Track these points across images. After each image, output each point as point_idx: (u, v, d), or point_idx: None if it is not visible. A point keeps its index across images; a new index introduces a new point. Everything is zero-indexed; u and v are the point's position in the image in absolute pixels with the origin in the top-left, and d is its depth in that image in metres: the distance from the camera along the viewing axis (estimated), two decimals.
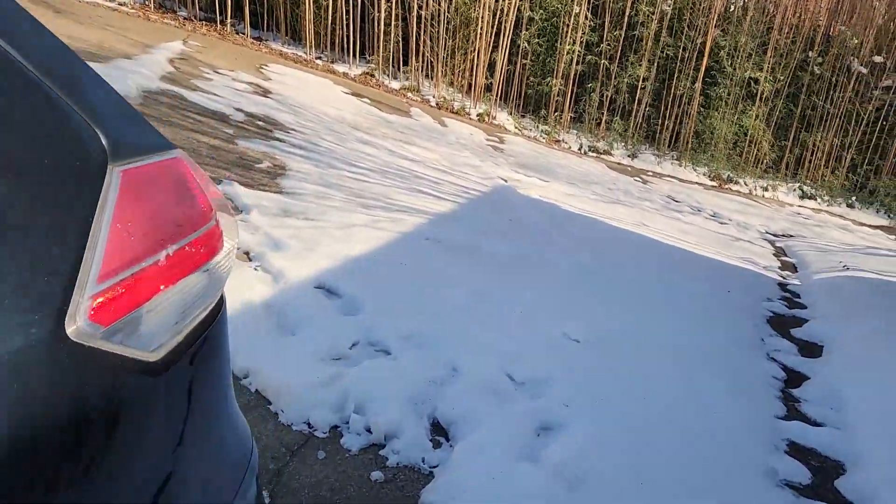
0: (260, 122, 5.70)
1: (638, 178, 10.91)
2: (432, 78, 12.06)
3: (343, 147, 5.82)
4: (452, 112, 11.82)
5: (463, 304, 3.40)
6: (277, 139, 5.41)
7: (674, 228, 6.76)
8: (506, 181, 6.76)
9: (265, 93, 6.98)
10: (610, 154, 13.77)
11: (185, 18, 10.62)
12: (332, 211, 4.26)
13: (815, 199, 15.06)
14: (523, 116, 13.78)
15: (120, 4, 9.95)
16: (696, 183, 13.75)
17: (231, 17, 10.78)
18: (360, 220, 4.23)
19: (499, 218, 5.22)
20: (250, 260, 3.47)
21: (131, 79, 5.37)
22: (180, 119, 5.03)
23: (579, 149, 13.39)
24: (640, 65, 13.00)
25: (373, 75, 11.33)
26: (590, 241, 5.27)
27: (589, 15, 12.61)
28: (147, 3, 10.54)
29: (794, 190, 14.48)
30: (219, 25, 10.66)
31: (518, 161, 8.43)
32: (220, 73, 7.13)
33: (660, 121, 13.90)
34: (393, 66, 11.68)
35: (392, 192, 5.06)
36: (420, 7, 11.20)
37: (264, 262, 3.41)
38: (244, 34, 10.87)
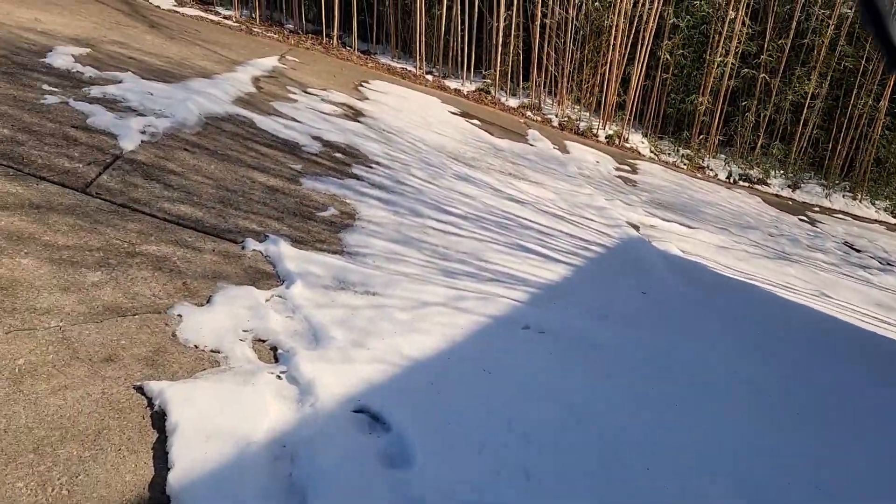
0: (338, 155, 4.92)
1: (803, 217, 9.20)
2: (555, 94, 10.99)
3: (435, 186, 4.92)
4: (577, 133, 10.68)
5: (579, 458, 2.33)
6: (354, 176, 4.60)
7: (866, 300, 5.25)
8: (637, 229, 5.57)
9: (355, 116, 6.25)
10: (765, 184, 12.00)
11: (290, 31, 10.31)
12: (403, 281, 3.34)
13: None
14: (660, 138, 12.35)
15: (224, 18, 9.77)
16: (876, 221, 11.72)
17: (339, 30, 10.34)
18: (438, 297, 3.27)
19: (628, 289, 4.08)
20: (276, 361, 2.61)
21: (196, 102, 4.78)
22: (240, 152, 4.35)
23: (727, 177, 11.74)
24: (809, 79, 11.19)
25: (488, 92, 10.45)
26: (759, 327, 3.99)
27: (747, 21, 11.02)
28: (253, 15, 10.33)
29: None
30: (324, 38, 10.24)
31: (654, 198, 7.16)
32: (309, 93, 6.50)
33: (830, 145, 11.96)
34: (511, 82, 10.75)
35: (487, 249, 4.07)
36: (544, 15, 10.20)
37: (293, 366, 2.53)
38: (351, 47, 10.38)
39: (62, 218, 3.05)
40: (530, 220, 4.84)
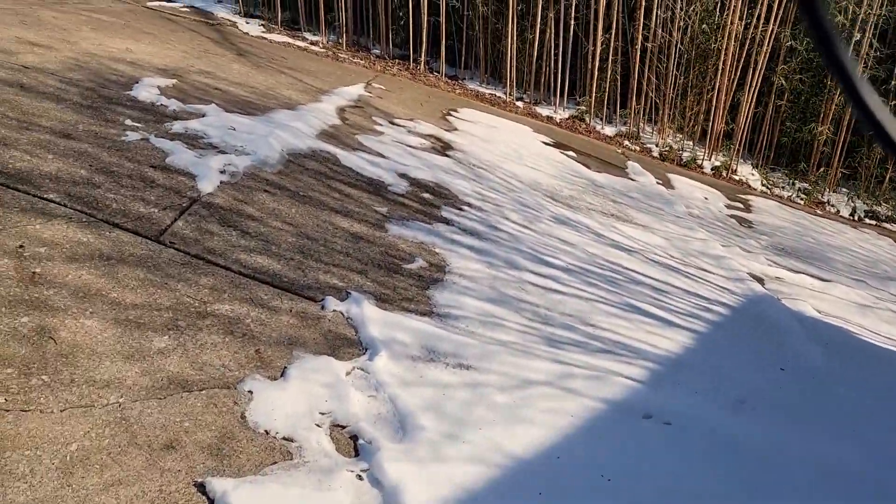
0: (426, 195, 4.63)
1: None
2: (656, 122, 10.42)
3: (532, 231, 4.54)
4: (680, 164, 10.06)
5: None
6: (443, 220, 4.29)
7: None
8: (762, 282, 4.99)
9: (444, 149, 5.98)
10: (895, 221, 10.95)
11: (377, 57, 10.25)
12: (500, 352, 2.96)
13: None
14: (773, 170, 11.50)
15: (311, 44, 9.81)
16: None
17: (426, 55, 10.20)
18: (541, 373, 2.88)
19: (762, 363, 3.55)
20: (356, 454, 2.29)
21: (278, 137, 4.62)
22: (322, 192, 4.12)
23: (851, 214, 10.76)
24: None
25: (582, 119, 10.01)
26: None
27: (875, 44, 10.13)
28: (340, 41, 10.35)
29: None
30: (412, 64, 10.12)
31: (775, 242, 6.50)
32: (395, 124, 6.29)
33: None
34: (608, 109, 10.27)
35: (594, 311, 3.65)
36: (645, 38, 9.71)
37: (375, 464, 2.20)
38: (438, 73, 10.21)
39: (132, 271, 2.87)
40: (640, 273, 4.38)
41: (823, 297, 5.06)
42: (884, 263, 6.98)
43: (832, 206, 10.97)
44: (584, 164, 7.33)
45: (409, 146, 5.69)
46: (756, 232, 6.78)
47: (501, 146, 6.75)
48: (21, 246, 2.83)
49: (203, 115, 4.72)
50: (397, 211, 4.23)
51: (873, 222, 10.73)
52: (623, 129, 10.18)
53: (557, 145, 7.87)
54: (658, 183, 7.64)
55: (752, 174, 10.91)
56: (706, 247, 5.42)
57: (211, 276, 3.00)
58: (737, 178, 10.68)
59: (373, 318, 2.98)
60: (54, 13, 6.66)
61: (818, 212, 10.31)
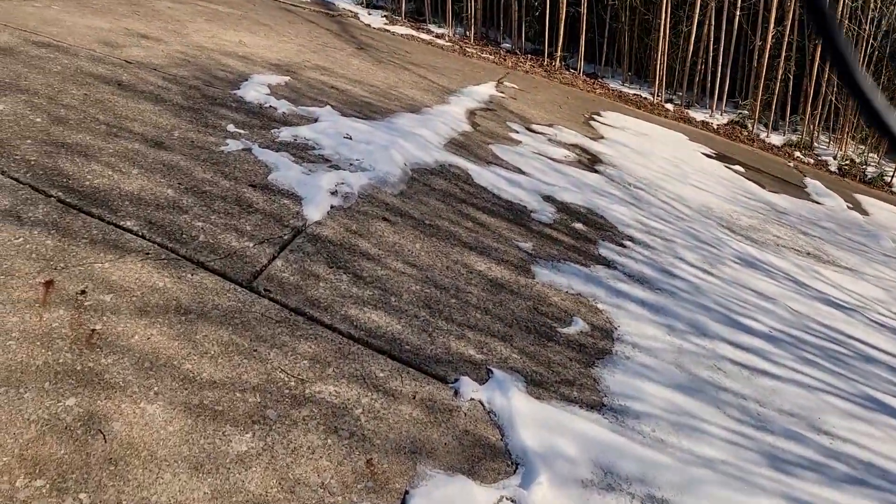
0: (578, 225, 3.82)
1: None
2: (834, 131, 9.03)
3: (714, 278, 3.62)
4: (863, 182, 8.63)
5: None
6: (604, 262, 3.46)
7: None
8: None
9: (592, 163, 5.13)
10: None
11: (507, 52, 9.49)
12: (707, 478, 2.11)
13: None
14: None
15: (436, 37, 9.19)
16: None
17: (562, 50, 9.33)
18: None
19: None
20: None
21: (401, 149, 3.95)
22: (452, 221, 3.40)
23: None
24: None
25: (744, 126, 8.80)
26: None
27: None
28: (467, 34, 9.67)
29: None
30: (546, 59, 9.28)
31: None
32: (533, 131, 5.50)
33: None
34: (775, 114, 8.99)
35: (822, 406, 2.70)
36: None
37: None
38: (575, 70, 9.32)
39: (214, 331, 2.25)
40: (868, 344, 3.35)
41: None
42: None
43: None
44: (756, 182, 6.23)
45: (552, 159, 4.88)
46: None
47: (658, 160, 5.80)
48: (83, 291, 2.28)
49: (315, 120, 4.14)
50: (545, 247, 3.44)
51: None
52: (793, 137, 8.85)
53: (720, 157, 6.80)
54: (849, 207, 6.40)
55: None
56: None
57: (313, 339, 2.34)
58: None
59: (524, 413, 2.21)
60: (170, 3, 6.38)
61: None
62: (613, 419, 2.32)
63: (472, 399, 2.26)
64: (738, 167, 6.63)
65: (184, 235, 2.66)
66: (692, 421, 2.40)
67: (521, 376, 2.42)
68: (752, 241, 4.45)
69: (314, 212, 3.05)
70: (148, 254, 2.52)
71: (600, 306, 3.02)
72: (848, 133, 8.79)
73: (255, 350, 2.24)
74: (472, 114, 5.45)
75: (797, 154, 8.53)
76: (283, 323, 2.39)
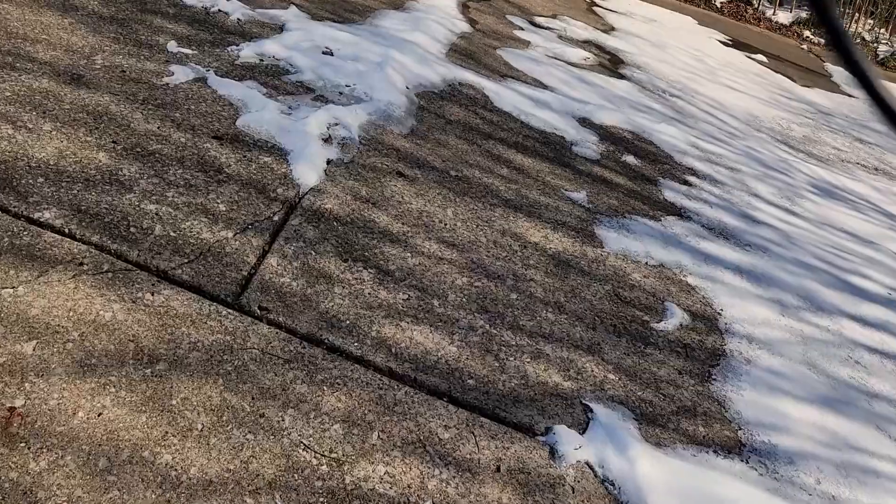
0: (629, 158, 3.11)
1: None
2: (846, 5, 8.28)
3: (801, 219, 3.00)
4: (875, 63, 8.01)
5: None
6: (675, 210, 2.79)
7: None
8: None
9: (614, 65, 4.35)
10: None
11: None
12: None
13: None
14: None
15: None
16: None
17: None
18: None
19: None
20: None
21: (399, 65, 3.12)
22: (484, 168, 2.66)
23: None
24: None
25: (748, 2, 7.97)
26: None
27: None
28: None
29: None
30: None
31: None
32: (539, 26, 4.65)
33: None
34: None
35: None
36: None
37: None
38: None
39: (197, 389, 1.56)
40: None
41: None
42: None
43: None
44: (784, 75, 5.55)
45: (571, 64, 4.08)
46: None
47: (677, 53, 5.03)
48: None
49: (282, 29, 3.24)
50: (602, 196, 2.74)
51: None
52: (802, 14, 8.09)
53: (738, 45, 6.05)
54: None
55: None
56: None
57: (342, 386, 1.65)
58: None
59: (651, 477, 1.60)
60: None
61: None
62: (763, 469, 1.73)
63: (577, 462, 1.63)
64: (760, 56, 5.90)
65: (132, 228, 1.87)
66: (859, 457, 1.83)
67: (628, 412, 1.79)
68: (815, 158, 3.82)
69: (308, 173, 2.26)
70: (82, 264, 1.75)
71: (690, 280, 2.38)
72: (862, 8, 8.07)
73: (262, 415, 1.55)
74: (465, 7, 4.54)
75: (806, 33, 7.80)
76: (295, 362, 1.68)
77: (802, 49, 7.13)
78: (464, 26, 4.13)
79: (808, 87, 5.45)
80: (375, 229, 2.15)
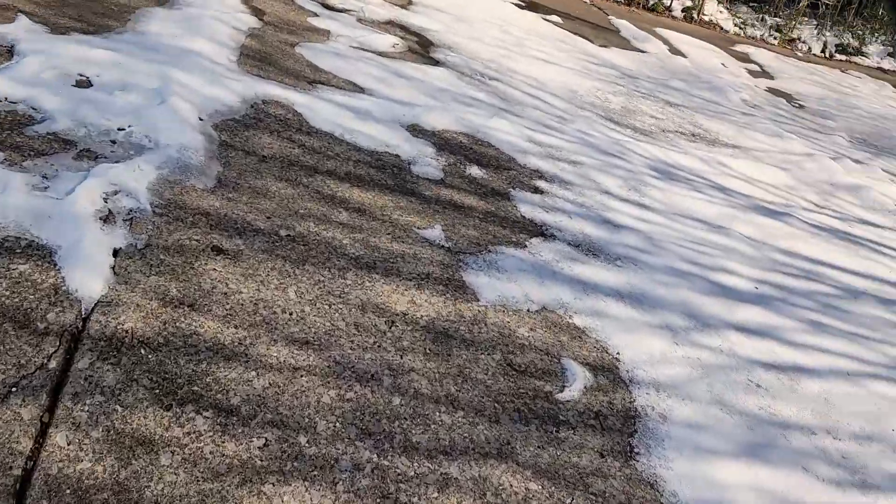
0: (474, 170, 2.77)
1: None
2: None
3: (650, 209, 2.87)
4: (646, 9, 8.40)
5: None
6: (535, 229, 2.51)
7: None
8: None
9: (425, 49, 3.97)
10: (862, 54, 10.11)
11: None
12: None
13: None
14: (732, 1, 10.08)
15: None
16: None
17: None
18: None
19: None
20: None
21: (184, 89, 2.49)
22: (319, 217, 2.18)
23: (822, 51, 9.74)
24: None
25: None
26: None
27: None
28: None
29: None
30: None
31: (841, 128, 5.19)
32: (334, 9, 4.13)
33: None
34: None
35: (887, 410, 2.14)
36: None
37: None
38: None
39: None
40: (833, 266, 2.87)
41: None
42: None
43: (804, 42, 9.88)
44: (582, 37, 5.51)
45: (380, 54, 3.63)
46: (813, 114, 5.42)
47: (484, 27, 4.76)
48: None
49: (11, 53, 2.45)
50: (458, 227, 2.37)
51: (843, 57, 9.82)
52: None
53: (531, 6, 5.93)
54: (670, 52, 5.99)
55: (721, 12, 9.45)
56: (822, 168, 3.98)
57: None
58: (707, 18, 9.20)
59: None
60: None
61: (798, 54, 9.18)
62: None
63: None
64: (555, 17, 5.82)
65: None
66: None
67: None
68: (642, 133, 3.74)
69: (89, 278, 1.65)
70: None
71: (577, 322, 2.10)
72: None
73: None
74: None
75: None
76: None
77: (586, 3, 7.21)
78: (250, 20, 3.50)
79: (606, 46, 5.46)
80: (201, 345, 1.61)
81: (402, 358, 1.77)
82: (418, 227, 2.30)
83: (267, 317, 1.75)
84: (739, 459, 1.78)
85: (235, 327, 1.69)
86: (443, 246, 2.25)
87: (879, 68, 9.88)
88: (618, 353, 2.03)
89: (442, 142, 2.89)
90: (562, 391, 1.84)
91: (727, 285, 2.49)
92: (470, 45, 4.22)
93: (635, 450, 1.74)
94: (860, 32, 10.34)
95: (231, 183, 2.18)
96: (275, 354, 1.66)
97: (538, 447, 1.66)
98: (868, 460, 1.92)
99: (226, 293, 1.77)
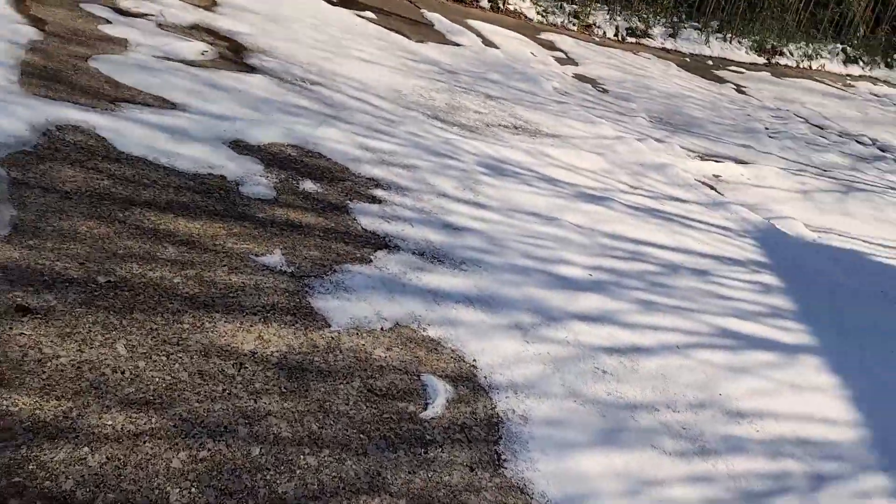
0: (308, 185, 2.66)
1: (713, 81, 8.35)
2: None
3: (486, 208, 2.92)
4: (455, 0, 8.57)
5: None
6: (378, 240, 2.46)
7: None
8: (714, 189, 4.09)
9: (238, 55, 3.76)
10: (649, 36, 11.05)
11: None
12: None
13: (857, 63, 14.35)
14: None
15: None
16: (750, 63, 11.76)
17: None
18: None
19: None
20: None
21: None
22: (141, 256, 1.99)
23: (615, 34, 10.52)
24: None
25: None
26: None
27: None
28: None
29: (837, 55, 13.76)
30: None
31: (642, 109, 5.64)
32: (128, 14, 3.79)
33: None
34: None
35: (714, 375, 2.33)
36: None
37: None
38: None
39: None
40: (652, 244, 3.09)
41: (770, 193, 4.36)
42: (725, 109, 6.63)
43: (599, 27, 10.59)
44: (398, 32, 5.51)
45: (190, 63, 3.39)
46: (616, 97, 5.82)
47: (298, 26, 4.61)
48: None
49: None
50: (300, 251, 2.26)
51: (633, 40, 10.67)
52: None
53: (344, 2, 5.83)
54: (486, 45, 6.16)
55: (523, 1, 9.88)
56: (632, 150, 4.28)
57: None
58: (511, 7, 9.57)
59: None
60: None
61: (595, 38, 9.83)
62: None
63: None
64: (369, 13, 5.76)
65: None
66: (654, 491, 1.78)
67: None
68: (468, 130, 3.80)
69: None
70: None
71: (432, 333, 2.09)
72: None
73: None
74: (18, 1, 3.44)
75: None
76: None
77: None
78: (29, 31, 3.11)
79: (423, 42, 5.49)
80: (17, 427, 1.40)
81: (256, 402, 1.66)
82: (256, 255, 2.16)
83: (95, 380, 1.56)
84: (596, 448, 1.85)
85: (58, 399, 1.48)
86: (285, 272, 2.13)
87: (663, 48, 10.82)
88: (474, 361, 2.04)
89: (270, 157, 2.74)
90: (425, 409, 1.81)
91: (566, 276, 2.60)
92: (286, 48, 4.05)
93: (502, 457, 1.76)
94: (645, 16, 11.28)
95: (30, 228, 1.92)
96: (110, 423, 1.48)
97: (409, 472, 1.63)
98: (704, 427, 2.08)
99: (40, 360, 1.55)
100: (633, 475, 1.82)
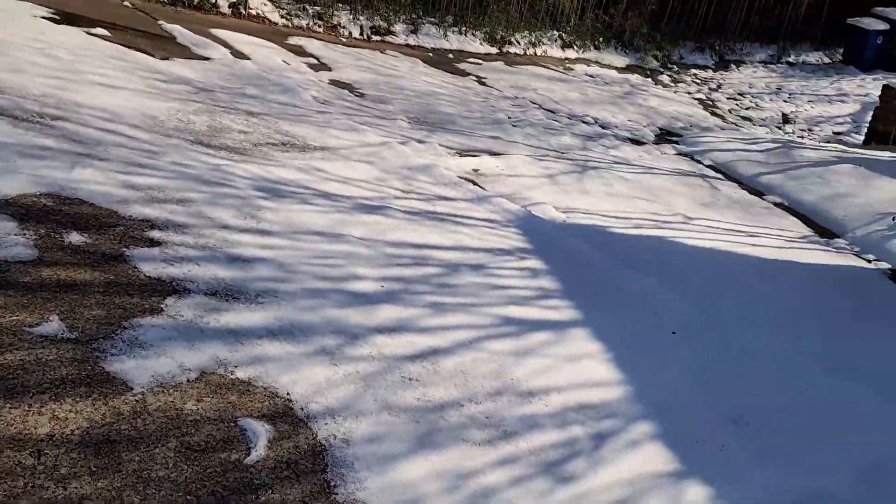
0: (74, 237, 2.46)
1: (458, 74, 9.03)
2: None
3: (269, 234, 2.93)
4: (192, 7, 8.19)
5: None
6: (166, 286, 2.36)
7: (692, 202, 5.28)
8: (475, 183, 4.45)
9: None
10: (392, 34, 11.47)
11: None
12: None
13: (573, 47, 16.10)
14: None
15: None
16: (487, 54, 12.75)
17: None
18: None
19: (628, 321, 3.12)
20: None
21: None
22: None
23: (361, 33, 10.76)
24: None
25: None
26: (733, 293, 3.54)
27: None
28: None
29: (556, 41, 15.41)
30: None
31: (399, 111, 5.90)
32: None
33: None
34: None
35: (508, 364, 2.59)
36: None
37: None
38: None
39: None
40: (435, 247, 3.31)
41: (522, 181, 4.84)
42: (473, 102, 7.16)
43: (344, 27, 10.75)
44: (139, 49, 5.19)
45: None
46: (374, 101, 6.02)
47: (21, 52, 4.15)
48: None
49: None
50: (82, 312, 2.10)
51: (378, 38, 11.01)
52: None
53: (69, 19, 5.35)
54: (236, 56, 6.00)
55: (265, 4, 9.71)
56: (398, 154, 4.50)
57: None
58: (253, 11, 9.35)
59: None
60: None
61: (342, 39, 9.98)
62: None
63: None
64: (101, 30, 5.32)
65: None
66: (473, 483, 1.97)
67: None
68: (234, 151, 3.72)
69: None
70: None
71: (241, 375, 2.09)
72: None
73: None
74: None
75: None
76: None
77: (128, 7, 6.73)
78: None
79: (168, 58, 5.21)
80: None
81: (66, 489, 1.56)
82: (30, 325, 1.98)
83: None
84: (416, 454, 2.01)
85: None
86: (68, 338, 1.99)
87: (407, 45, 11.29)
88: (288, 394, 2.08)
89: (22, 211, 2.49)
90: (248, 454, 1.83)
91: (360, 291, 2.71)
92: (13, 80, 3.64)
93: (332, 483, 1.84)
94: (386, 14, 11.67)
95: None
96: None
97: None
98: (503, 412, 2.33)
99: None
100: (452, 472, 1.99)
